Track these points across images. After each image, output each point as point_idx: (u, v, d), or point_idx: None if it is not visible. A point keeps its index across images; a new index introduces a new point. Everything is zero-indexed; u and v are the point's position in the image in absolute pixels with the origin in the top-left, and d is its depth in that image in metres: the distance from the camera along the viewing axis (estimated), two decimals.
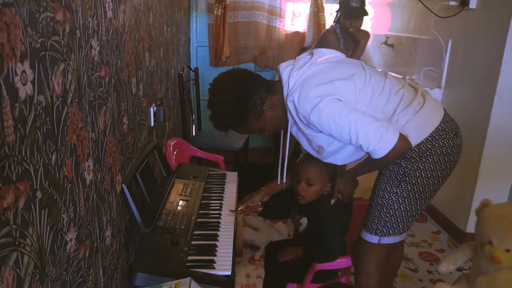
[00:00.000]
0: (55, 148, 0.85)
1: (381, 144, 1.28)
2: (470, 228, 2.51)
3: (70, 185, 0.94)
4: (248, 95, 1.40)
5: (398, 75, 3.25)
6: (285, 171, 1.57)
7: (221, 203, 1.77)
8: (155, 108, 1.96)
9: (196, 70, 3.41)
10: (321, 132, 1.36)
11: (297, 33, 4.21)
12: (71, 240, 0.95)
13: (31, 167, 0.75)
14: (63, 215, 0.90)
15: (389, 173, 1.43)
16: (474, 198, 2.45)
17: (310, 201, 1.61)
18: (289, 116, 1.44)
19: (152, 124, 1.94)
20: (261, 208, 1.71)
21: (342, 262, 1.62)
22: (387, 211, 1.45)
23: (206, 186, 1.92)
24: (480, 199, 2.43)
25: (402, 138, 1.30)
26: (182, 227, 1.53)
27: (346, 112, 1.30)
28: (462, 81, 2.63)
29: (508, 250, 0.91)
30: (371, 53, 3.96)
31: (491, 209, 0.98)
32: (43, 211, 0.80)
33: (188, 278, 1.10)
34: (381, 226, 1.47)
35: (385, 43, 3.58)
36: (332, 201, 1.56)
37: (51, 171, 0.84)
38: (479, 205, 1.04)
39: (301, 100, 1.33)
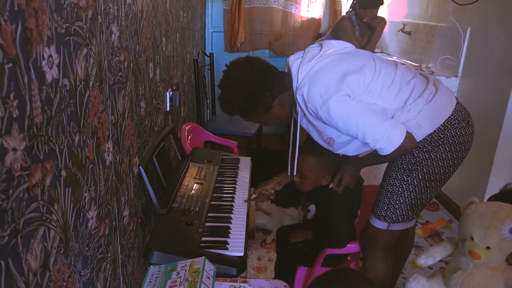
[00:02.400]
0: (78, 130, 0.89)
1: (387, 143, 1.31)
2: None
3: (91, 165, 0.98)
4: (261, 92, 1.42)
5: (414, 63, 3.23)
6: (295, 163, 1.59)
7: (235, 187, 1.80)
8: (171, 93, 2.00)
9: (211, 56, 3.43)
10: None
11: (312, 19, 4.18)
12: (92, 218, 1.00)
13: (57, 147, 0.79)
14: (85, 194, 0.94)
15: (401, 161, 1.45)
16: (488, 189, 2.45)
17: (308, 190, 1.65)
18: (298, 109, 1.45)
19: (168, 109, 1.98)
20: (273, 197, 1.74)
21: (352, 247, 1.65)
22: (397, 198, 1.47)
23: (220, 170, 1.96)
24: (494, 189, 2.45)
25: (408, 137, 1.33)
26: (197, 209, 1.57)
27: (355, 110, 1.32)
28: (480, 71, 2.60)
29: (488, 248, 0.95)
30: (387, 40, 3.91)
31: (476, 207, 1.02)
32: (67, 189, 0.84)
33: (203, 257, 1.15)
34: (390, 213, 1.49)
35: (402, 30, 3.53)
36: (331, 185, 1.59)
37: (74, 152, 0.88)
38: (465, 203, 1.08)
39: (310, 96, 1.35)
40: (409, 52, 3.49)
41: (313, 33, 4.19)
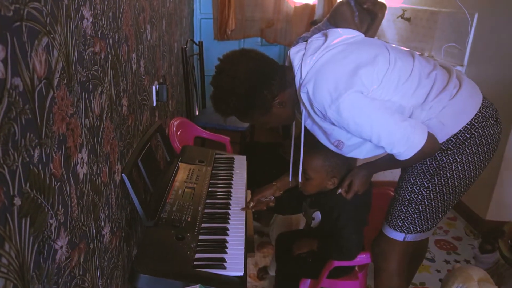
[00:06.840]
0: (38, 142, 0.70)
1: (406, 146, 1.13)
2: (491, 215, 2.38)
3: (59, 183, 0.79)
4: (259, 90, 1.23)
5: (414, 51, 3.06)
6: (300, 167, 1.41)
7: (230, 191, 1.63)
8: (157, 87, 1.80)
9: (200, 44, 3.21)
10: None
11: (306, 5, 3.98)
12: (61, 247, 0.81)
13: (6, 169, 0.60)
14: (50, 221, 0.75)
15: (420, 165, 1.28)
16: (497, 184, 2.31)
17: (311, 193, 1.49)
18: (302, 108, 1.26)
19: (154, 104, 1.78)
20: (273, 204, 1.56)
21: (362, 258, 1.50)
22: (416, 207, 1.30)
23: (213, 171, 1.77)
24: (504, 185, 2.31)
25: (431, 139, 1.15)
26: (188, 219, 1.39)
27: (369, 110, 1.13)
28: (488, 59, 2.44)
29: None
30: (385, 27, 3.73)
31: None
32: (23, 221, 0.65)
33: (198, 285, 0.97)
34: (408, 223, 1.33)
35: (401, 16, 3.35)
36: (339, 191, 1.42)
37: (33, 171, 0.69)
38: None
39: (316, 93, 1.16)
40: (409, 39, 3.32)
41: (307, 20, 3.99)
